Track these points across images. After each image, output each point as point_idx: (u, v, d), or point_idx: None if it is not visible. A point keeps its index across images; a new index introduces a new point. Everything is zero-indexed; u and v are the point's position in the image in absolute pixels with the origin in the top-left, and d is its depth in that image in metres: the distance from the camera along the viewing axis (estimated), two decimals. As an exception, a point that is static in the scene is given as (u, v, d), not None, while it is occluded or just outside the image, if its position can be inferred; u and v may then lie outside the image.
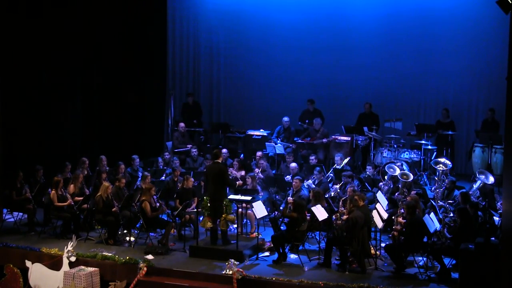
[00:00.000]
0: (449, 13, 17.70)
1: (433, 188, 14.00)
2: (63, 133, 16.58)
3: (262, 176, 14.43)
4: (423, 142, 16.21)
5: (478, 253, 10.43)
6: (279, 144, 16.81)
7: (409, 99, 18.40)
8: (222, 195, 12.44)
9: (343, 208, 12.11)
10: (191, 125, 18.27)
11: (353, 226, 11.37)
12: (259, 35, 19.28)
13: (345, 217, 11.82)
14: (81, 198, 13.39)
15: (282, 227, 12.67)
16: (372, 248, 11.87)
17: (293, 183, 13.42)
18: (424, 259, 11.58)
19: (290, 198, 13.02)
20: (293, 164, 14.98)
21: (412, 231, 11.35)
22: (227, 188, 12.72)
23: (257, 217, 12.37)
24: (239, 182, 14.18)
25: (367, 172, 14.99)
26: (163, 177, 14.99)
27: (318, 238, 12.51)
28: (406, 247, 11.44)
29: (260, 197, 13.44)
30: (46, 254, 12.18)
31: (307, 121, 17.39)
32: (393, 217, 12.30)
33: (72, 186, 13.60)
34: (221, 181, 12.36)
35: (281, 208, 12.53)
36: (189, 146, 17.11)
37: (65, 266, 11.82)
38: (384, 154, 16.08)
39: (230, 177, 14.49)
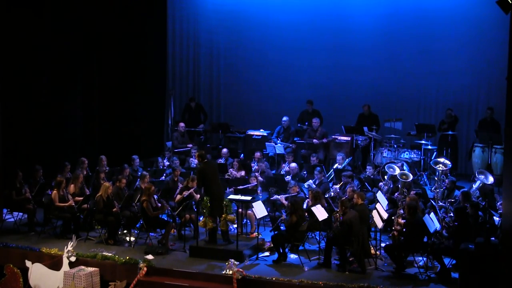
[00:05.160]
0: (449, 13, 17.71)
1: (433, 188, 14.00)
2: (63, 133, 16.57)
3: (261, 179, 14.42)
4: (423, 142, 16.22)
5: (478, 253, 10.43)
6: (279, 144, 16.82)
7: (409, 99, 18.41)
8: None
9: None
10: (191, 126, 18.28)
11: (349, 228, 11.36)
12: (259, 35, 19.30)
13: (342, 217, 11.78)
14: (81, 198, 13.38)
15: (282, 227, 12.67)
16: (372, 248, 11.87)
17: (291, 189, 13.40)
18: (424, 259, 11.58)
19: (284, 202, 13.06)
20: (293, 164, 14.99)
21: (412, 231, 11.34)
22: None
23: (257, 217, 12.36)
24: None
25: (367, 172, 14.99)
26: (163, 177, 14.99)
27: (318, 238, 12.51)
28: (406, 247, 11.44)
29: (260, 197, 13.44)
30: (46, 254, 12.17)
31: (306, 122, 17.38)
32: (393, 217, 12.30)
33: (72, 186, 13.59)
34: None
35: (284, 217, 12.51)
36: (190, 146, 17.12)
37: (65, 266, 11.82)
38: (384, 154, 16.09)
39: (231, 177, 14.63)
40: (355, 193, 12.12)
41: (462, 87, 17.94)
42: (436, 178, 13.76)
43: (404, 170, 14.27)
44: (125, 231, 13.22)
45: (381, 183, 13.99)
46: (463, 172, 17.39)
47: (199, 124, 18.49)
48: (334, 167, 15.48)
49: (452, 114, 16.90)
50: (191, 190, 13.11)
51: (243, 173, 14.91)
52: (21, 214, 13.88)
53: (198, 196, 13.06)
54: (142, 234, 13.09)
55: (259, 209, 12.22)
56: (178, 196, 13.24)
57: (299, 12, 18.97)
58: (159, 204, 12.86)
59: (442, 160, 14.12)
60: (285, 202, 13.09)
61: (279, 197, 13.36)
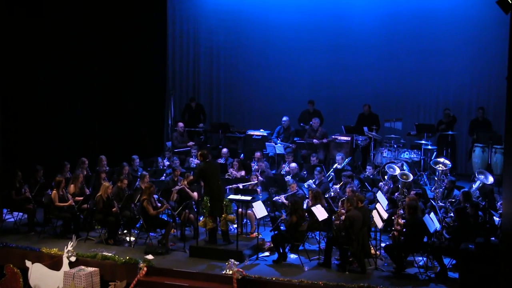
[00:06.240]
0: (449, 13, 17.72)
1: (433, 188, 14.00)
2: (63, 133, 16.58)
3: (261, 178, 14.43)
4: (423, 142, 16.21)
5: (478, 253, 10.43)
6: (279, 144, 16.82)
7: (409, 99, 18.42)
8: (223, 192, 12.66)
9: (342, 210, 12.07)
10: (191, 126, 18.29)
11: (351, 224, 11.37)
12: (259, 35, 19.30)
13: (343, 217, 11.81)
14: (81, 198, 13.38)
15: (281, 227, 12.67)
16: (372, 248, 11.87)
17: (290, 186, 13.43)
18: (424, 259, 11.59)
19: (285, 201, 13.08)
20: (293, 164, 14.99)
21: (412, 231, 11.34)
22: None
23: (257, 217, 12.37)
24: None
25: (367, 172, 14.99)
26: (163, 177, 15.00)
27: (318, 238, 12.52)
28: (406, 247, 11.43)
29: (260, 197, 13.45)
30: (46, 254, 12.17)
31: (310, 123, 17.34)
32: (393, 217, 12.30)
33: (72, 186, 13.59)
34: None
35: (284, 217, 12.52)
36: (190, 144, 17.12)
37: (65, 266, 11.82)
38: (384, 154, 16.08)
39: (231, 177, 14.65)
40: (355, 196, 12.09)
41: (462, 87, 17.95)
42: (436, 178, 13.76)
43: (404, 170, 14.27)
44: (125, 231, 13.22)
45: (381, 183, 13.99)
46: (463, 172, 17.40)
47: (199, 124, 18.49)
48: (334, 167, 15.47)
49: (450, 114, 16.91)
50: (182, 186, 13.11)
51: (243, 173, 14.91)
52: (21, 214, 13.88)
53: (195, 194, 13.09)
54: (142, 234, 13.08)
55: (259, 209, 12.21)
56: (173, 194, 13.25)
57: (299, 12, 18.97)
58: (159, 204, 12.86)
59: (442, 160, 14.13)
60: (286, 202, 13.10)
61: (278, 197, 13.37)
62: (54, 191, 13.12)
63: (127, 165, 14.79)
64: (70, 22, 16.40)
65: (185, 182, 13.25)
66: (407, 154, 16.03)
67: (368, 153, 16.91)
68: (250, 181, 13.81)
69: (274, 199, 13.53)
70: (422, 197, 13.12)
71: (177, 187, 13.17)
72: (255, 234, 12.92)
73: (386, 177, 14.09)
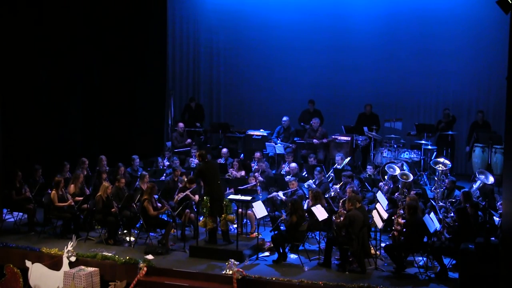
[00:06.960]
0: (449, 13, 17.73)
1: (433, 188, 14.01)
2: (63, 133, 16.57)
3: (262, 178, 14.42)
4: (423, 142, 16.22)
5: (478, 253, 10.43)
6: (279, 144, 16.82)
7: (409, 99, 18.43)
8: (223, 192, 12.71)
9: (343, 210, 12.07)
10: (191, 126, 18.29)
11: (350, 223, 11.37)
12: (259, 35, 19.30)
13: (343, 218, 11.81)
14: (81, 198, 13.38)
15: (282, 227, 12.67)
16: (372, 248, 11.87)
17: (290, 184, 13.44)
18: (424, 259, 11.59)
19: (283, 197, 13.07)
20: (293, 164, 14.99)
21: (412, 231, 11.35)
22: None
23: (257, 217, 12.37)
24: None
25: (367, 172, 14.99)
26: (163, 177, 15.00)
27: (318, 238, 12.52)
28: (406, 247, 11.44)
29: (260, 197, 13.44)
30: (46, 254, 12.17)
31: (310, 122, 17.35)
32: (393, 217, 12.30)
33: (72, 186, 13.59)
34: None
35: (284, 217, 12.52)
36: (189, 141, 17.14)
37: (65, 266, 11.82)
38: (384, 154, 16.08)
39: (231, 177, 14.65)
40: (353, 196, 12.09)
41: (462, 87, 17.96)
42: (436, 178, 13.76)
43: (404, 170, 14.26)
44: (125, 231, 13.23)
45: (381, 183, 13.99)
46: (463, 172, 17.41)
47: (197, 123, 18.47)
48: (334, 167, 15.47)
49: (450, 114, 16.91)
50: (187, 192, 13.11)
51: (243, 173, 14.91)
52: (21, 214, 13.89)
53: (197, 197, 13.09)
54: (142, 234, 13.09)
55: (259, 209, 12.22)
56: (176, 198, 13.25)
57: (299, 12, 18.98)
58: (159, 204, 12.87)
59: (442, 160, 14.13)
60: (284, 198, 13.09)
61: (276, 193, 13.36)
62: (53, 191, 13.13)
63: (122, 165, 14.80)
64: (70, 22, 16.39)
65: (190, 186, 13.22)
66: (407, 154, 16.03)
67: (368, 153, 16.92)
68: (248, 183, 13.80)
69: (271, 195, 13.52)
70: (422, 197, 13.13)
71: (181, 195, 13.11)
72: (255, 234, 12.93)
73: (386, 177, 14.09)
